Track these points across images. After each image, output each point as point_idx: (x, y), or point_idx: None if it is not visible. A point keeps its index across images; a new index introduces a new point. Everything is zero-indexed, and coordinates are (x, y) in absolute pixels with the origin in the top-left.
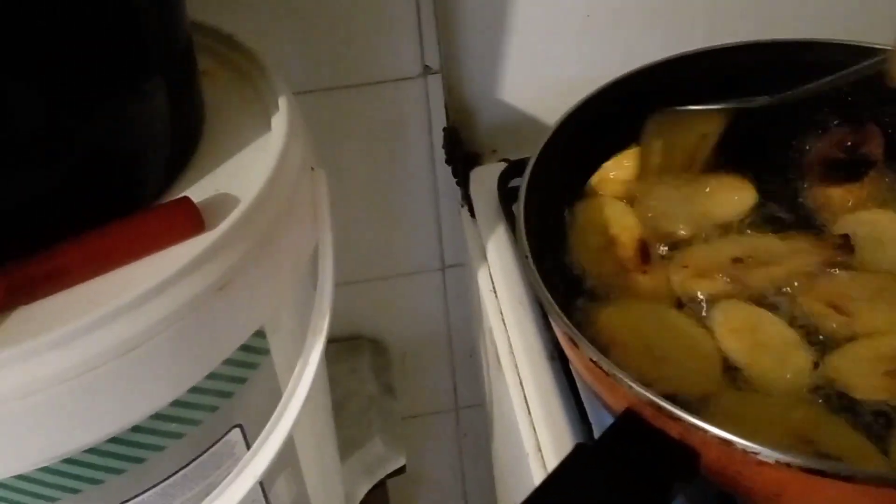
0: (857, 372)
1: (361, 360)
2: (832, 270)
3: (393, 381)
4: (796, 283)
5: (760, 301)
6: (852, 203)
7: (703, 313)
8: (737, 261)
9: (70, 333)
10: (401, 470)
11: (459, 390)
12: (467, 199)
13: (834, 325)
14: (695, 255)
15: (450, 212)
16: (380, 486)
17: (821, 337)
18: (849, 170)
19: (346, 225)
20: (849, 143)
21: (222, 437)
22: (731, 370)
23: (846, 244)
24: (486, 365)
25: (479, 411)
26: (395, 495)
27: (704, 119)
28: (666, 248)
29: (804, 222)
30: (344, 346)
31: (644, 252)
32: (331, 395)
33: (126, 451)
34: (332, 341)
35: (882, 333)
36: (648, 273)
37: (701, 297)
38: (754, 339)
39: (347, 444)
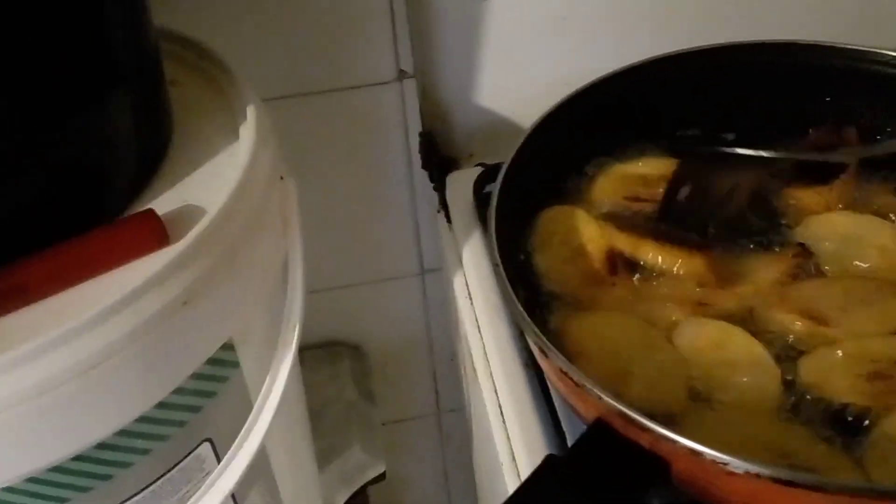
0: (834, 377)
1: (341, 367)
2: (796, 280)
3: (373, 386)
4: (765, 298)
5: (729, 318)
6: (822, 205)
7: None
8: (702, 286)
9: (32, 351)
10: (381, 477)
11: (441, 394)
12: (444, 205)
13: (809, 334)
14: (660, 289)
15: (428, 217)
16: (360, 494)
17: (792, 351)
18: (822, 173)
19: (324, 230)
20: (824, 146)
21: (192, 451)
22: (697, 388)
23: (803, 251)
24: (464, 370)
25: (461, 415)
26: (378, 501)
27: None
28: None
29: (772, 226)
30: (323, 353)
31: (612, 263)
32: (309, 403)
33: (92, 468)
34: (310, 348)
35: (858, 337)
36: (617, 285)
37: (672, 319)
38: (721, 355)
39: (326, 452)
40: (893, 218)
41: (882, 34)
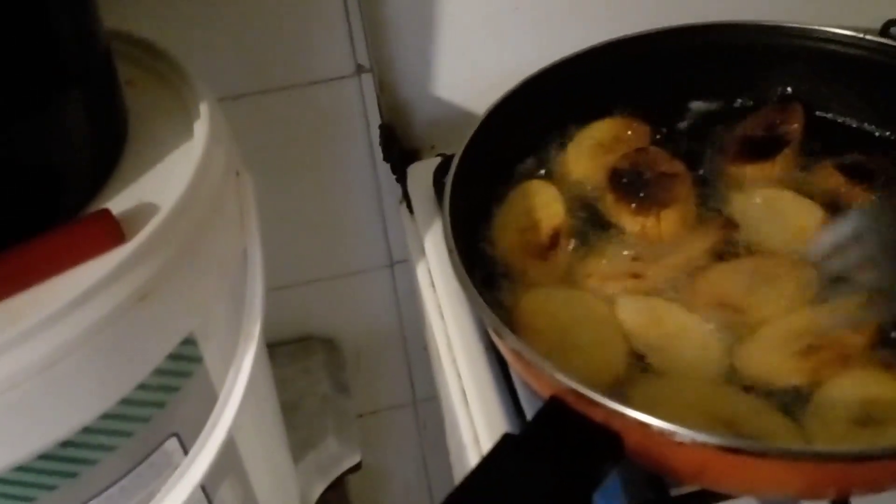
0: (768, 360)
1: (314, 361)
2: (716, 260)
3: (347, 379)
4: (689, 276)
5: (663, 293)
6: (763, 180)
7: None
8: (635, 259)
9: None
10: (356, 467)
11: (416, 384)
12: (406, 195)
13: (729, 320)
14: (597, 263)
15: (393, 209)
16: (337, 485)
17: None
18: (765, 148)
19: (292, 226)
20: (770, 122)
21: (158, 446)
22: (641, 361)
23: (729, 224)
24: (433, 359)
25: (436, 403)
26: (358, 492)
27: None
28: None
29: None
30: (296, 348)
31: (554, 240)
32: (283, 397)
33: (57, 466)
34: (283, 343)
35: (777, 317)
36: (548, 260)
37: (610, 294)
38: (661, 330)
39: (302, 445)
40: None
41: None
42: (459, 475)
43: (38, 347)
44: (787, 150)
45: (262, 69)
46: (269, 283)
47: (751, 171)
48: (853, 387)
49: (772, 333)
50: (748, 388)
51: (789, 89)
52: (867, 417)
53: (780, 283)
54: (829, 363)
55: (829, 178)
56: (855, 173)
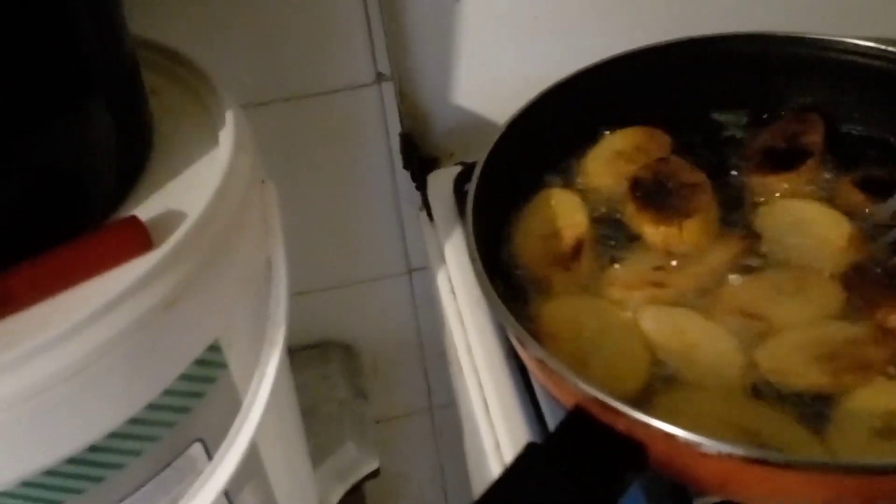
0: (790, 364)
1: (332, 366)
2: (736, 275)
3: (365, 385)
4: (712, 286)
5: (686, 303)
6: (783, 193)
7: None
8: (658, 268)
9: (19, 357)
10: (375, 473)
11: (433, 390)
12: (426, 203)
13: (752, 330)
14: (619, 273)
15: (412, 216)
16: (356, 490)
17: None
18: (788, 159)
19: (311, 233)
20: (791, 133)
21: (183, 452)
22: (663, 371)
23: (751, 235)
24: (452, 366)
25: (453, 410)
26: (374, 498)
27: None
28: (598, 252)
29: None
30: (314, 353)
31: (576, 250)
32: (302, 403)
33: (84, 470)
34: (301, 348)
35: (800, 326)
36: (571, 270)
37: (633, 304)
38: (684, 341)
39: (320, 451)
40: (848, 209)
41: (847, 24)
42: (477, 482)
43: (68, 353)
44: (809, 162)
45: (282, 77)
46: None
47: (774, 181)
48: (875, 399)
49: (795, 337)
50: (769, 393)
51: (810, 100)
52: (889, 430)
53: (804, 296)
54: (849, 370)
55: (850, 194)
56: (874, 188)
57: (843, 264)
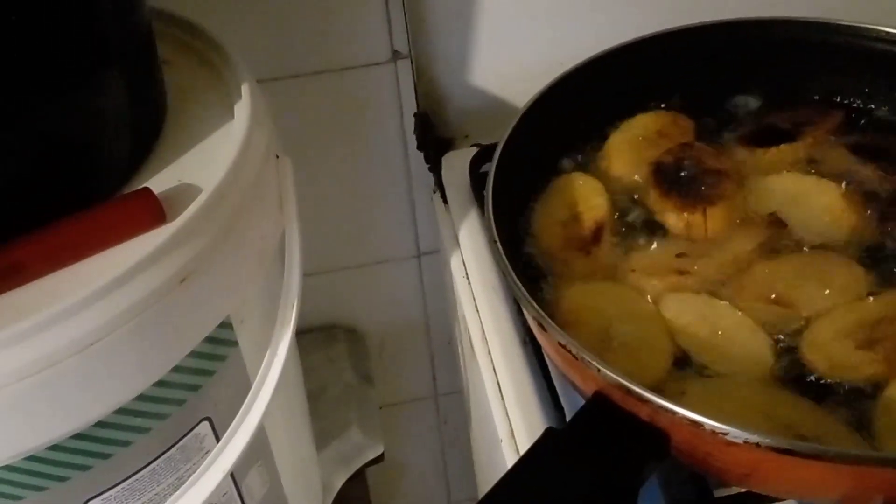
0: (831, 355)
1: (338, 350)
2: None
3: (370, 369)
4: (735, 273)
5: (710, 291)
6: (785, 164)
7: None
8: (680, 255)
9: (29, 329)
10: (379, 458)
11: (438, 378)
12: (440, 185)
13: (779, 316)
14: (640, 259)
15: (424, 198)
16: (359, 475)
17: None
18: (782, 136)
19: (319, 213)
20: (803, 120)
21: (191, 430)
22: (686, 358)
23: (776, 221)
24: (462, 352)
25: (458, 398)
26: (376, 484)
27: None
28: (619, 237)
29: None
30: (320, 336)
31: (597, 234)
32: (307, 385)
33: (91, 446)
34: (307, 331)
35: (830, 311)
36: (591, 254)
37: (655, 291)
38: (708, 328)
39: (324, 434)
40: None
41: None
42: (484, 471)
43: (79, 326)
44: (808, 139)
45: (295, 53)
46: None
47: (773, 153)
48: None
49: (829, 325)
50: (799, 386)
51: (838, 87)
52: None
53: (829, 278)
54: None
55: (842, 159)
56: (865, 152)
57: (848, 228)
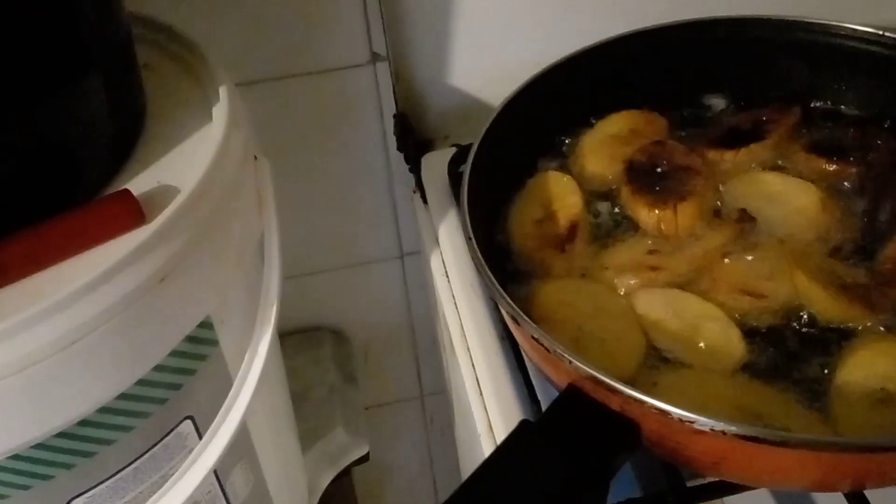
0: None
1: (323, 351)
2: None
3: (355, 370)
4: (706, 267)
5: (682, 286)
6: (750, 164)
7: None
8: (652, 251)
9: (10, 328)
10: (364, 458)
11: (424, 378)
12: (420, 185)
13: (751, 307)
14: (613, 256)
15: (405, 199)
16: (344, 475)
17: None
18: (744, 137)
19: (302, 216)
20: (763, 119)
21: (173, 429)
22: (659, 354)
23: (745, 217)
24: (444, 351)
25: (443, 398)
26: (363, 484)
27: None
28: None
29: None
30: (305, 338)
31: (571, 232)
32: (292, 386)
33: (74, 445)
34: (292, 333)
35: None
36: (566, 252)
37: (628, 287)
38: (680, 323)
39: (310, 435)
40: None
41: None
42: (468, 468)
43: (60, 325)
44: (767, 141)
45: (275, 56)
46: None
47: (738, 154)
48: (872, 365)
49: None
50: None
51: (807, 84)
52: (888, 397)
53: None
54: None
55: (806, 160)
56: (824, 150)
57: (822, 228)
